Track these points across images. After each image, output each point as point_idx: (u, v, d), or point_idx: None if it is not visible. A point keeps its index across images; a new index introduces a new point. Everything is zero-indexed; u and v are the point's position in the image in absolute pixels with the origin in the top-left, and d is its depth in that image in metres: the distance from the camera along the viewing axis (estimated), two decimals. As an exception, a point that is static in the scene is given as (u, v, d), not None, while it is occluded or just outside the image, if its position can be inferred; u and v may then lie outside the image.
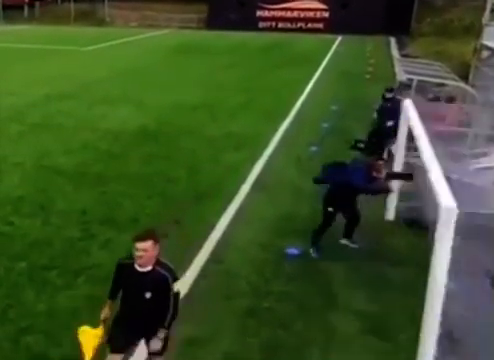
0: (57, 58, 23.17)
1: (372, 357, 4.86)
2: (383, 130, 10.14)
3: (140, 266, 3.85)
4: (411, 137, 6.00)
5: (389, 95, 10.38)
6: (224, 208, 7.79)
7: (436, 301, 3.76)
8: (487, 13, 14.31)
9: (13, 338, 5.00)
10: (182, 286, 5.80)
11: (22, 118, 12.79)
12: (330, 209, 6.46)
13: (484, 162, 9.41)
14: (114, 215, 7.55)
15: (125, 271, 3.94)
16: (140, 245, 3.79)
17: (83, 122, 12.50)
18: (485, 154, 9.75)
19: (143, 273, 3.85)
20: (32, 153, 10.14)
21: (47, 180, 8.86)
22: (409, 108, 6.56)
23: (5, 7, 40.47)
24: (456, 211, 3.56)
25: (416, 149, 5.16)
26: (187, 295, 5.68)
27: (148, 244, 3.79)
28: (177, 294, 3.90)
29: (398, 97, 10.31)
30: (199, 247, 6.62)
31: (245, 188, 8.61)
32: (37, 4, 41.15)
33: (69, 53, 24.81)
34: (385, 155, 9.86)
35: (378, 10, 32.60)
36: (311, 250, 6.56)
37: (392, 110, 10.06)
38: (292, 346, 4.98)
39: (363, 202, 6.72)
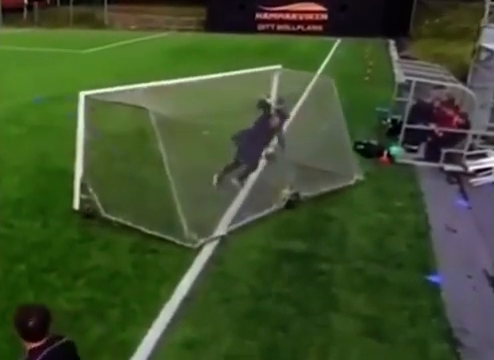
0: (57, 60, 23.15)
1: (371, 359, 4.87)
2: None
3: None
4: None
5: (278, 106, 9.03)
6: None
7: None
8: (486, 15, 14.32)
9: (12, 340, 4.99)
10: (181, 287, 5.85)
11: (21, 120, 12.78)
12: None
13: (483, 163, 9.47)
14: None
15: None
16: None
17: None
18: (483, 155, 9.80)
19: None
20: (32, 155, 10.13)
21: (47, 182, 8.86)
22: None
23: (4, 10, 40.47)
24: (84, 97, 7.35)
25: None
26: (186, 297, 5.70)
27: None
28: None
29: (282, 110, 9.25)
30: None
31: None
32: (36, 6, 41.13)
33: (69, 56, 24.79)
34: None
35: (377, 12, 32.58)
36: None
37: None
38: (291, 348, 4.99)
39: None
